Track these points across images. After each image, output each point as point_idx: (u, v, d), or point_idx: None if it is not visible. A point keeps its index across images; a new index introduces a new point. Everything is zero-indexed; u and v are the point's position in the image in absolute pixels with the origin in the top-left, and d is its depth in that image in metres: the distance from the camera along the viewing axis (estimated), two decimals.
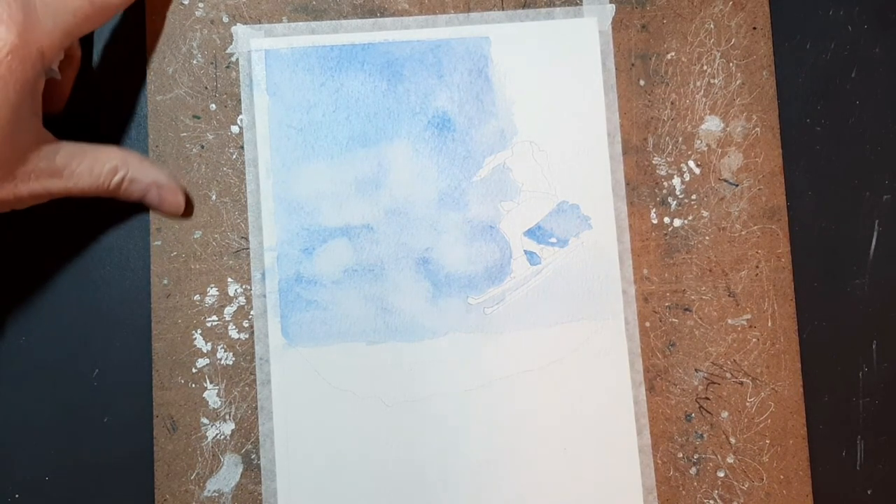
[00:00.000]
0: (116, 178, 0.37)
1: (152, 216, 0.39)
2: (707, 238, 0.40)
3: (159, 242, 0.39)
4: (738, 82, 0.41)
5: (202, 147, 0.40)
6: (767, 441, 0.40)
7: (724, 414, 0.40)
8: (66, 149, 0.36)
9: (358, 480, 0.38)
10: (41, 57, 0.34)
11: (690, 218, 0.41)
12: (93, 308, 0.39)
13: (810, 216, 0.41)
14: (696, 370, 0.40)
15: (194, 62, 0.40)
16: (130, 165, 0.37)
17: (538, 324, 0.40)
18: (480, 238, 0.40)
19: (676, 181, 0.41)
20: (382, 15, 0.40)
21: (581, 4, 0.41)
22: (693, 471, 0.39)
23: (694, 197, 0.41)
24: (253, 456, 0.38)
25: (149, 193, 0.38)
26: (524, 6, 0.41)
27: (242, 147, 0.40)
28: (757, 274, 0.40)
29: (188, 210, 0.39)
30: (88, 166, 0.36)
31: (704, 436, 0.40)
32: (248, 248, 0.39)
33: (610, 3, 0.41)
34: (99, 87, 0.40)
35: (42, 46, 0.34)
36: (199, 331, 0.39)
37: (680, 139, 0.41)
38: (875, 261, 0.41)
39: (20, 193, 0.35)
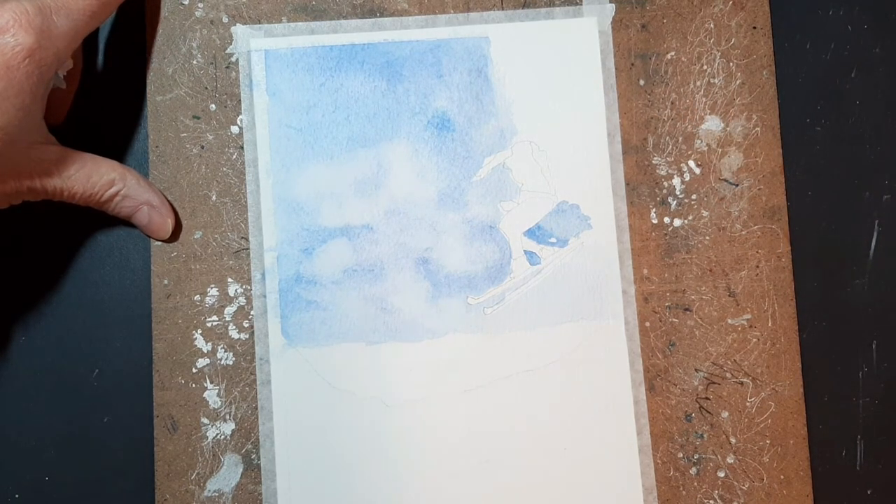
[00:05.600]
0: (111, 191, 0.37)
1: None
2: (707, 238, 0.40)
3: (159, 243, 0.39)
4: (738, 82, 0.41)
5: (202, 147, 0.40)
6: (768, 441, 0.40)
7: (725, 414, 0.40)
8: (68, 153, 0.36)
9: (358, 480, 0.38)
10: (56, 59, 0.34)
11: (690, 218, 0.41)
12: (93, 308, 0.39)
13: (810, 216, 0.41)
14: (696, 370, 0.40)
15: (194, 62, 0.40)
16: (128, 182, 0.37)
17: (538, 324, 0.40)
18: (480, 238, 0.40)
19: (676, 181, 0.41)
20: (382, 15, 0.40)
21: (581, 4, 0.41)
22: (693, 471, 0.39)
23: (694, 197, 0.41)
24: (253, 456, 0.38)
25: (139, 212, 0.38)
26: (524, 6, 0.41)
27: (242, 147, 0.40)
28: (757, 274, 0.40)
29: (174, 235, 0.39)
30: (87, 174, 0.36)
31: (704, 436, 0.40)
32: (248, 249, 0.39)
33: (610, 2, 0.41)
34: (99, 88, 0.40)
35: (58, 49, 0.34)
36: (199, 331, 0.39)
37: (680, 139, 0.41)
38: (875, 261, 0.41)
39: (20, 188, 0.35)
